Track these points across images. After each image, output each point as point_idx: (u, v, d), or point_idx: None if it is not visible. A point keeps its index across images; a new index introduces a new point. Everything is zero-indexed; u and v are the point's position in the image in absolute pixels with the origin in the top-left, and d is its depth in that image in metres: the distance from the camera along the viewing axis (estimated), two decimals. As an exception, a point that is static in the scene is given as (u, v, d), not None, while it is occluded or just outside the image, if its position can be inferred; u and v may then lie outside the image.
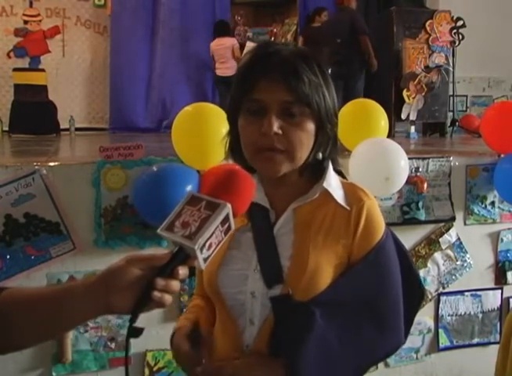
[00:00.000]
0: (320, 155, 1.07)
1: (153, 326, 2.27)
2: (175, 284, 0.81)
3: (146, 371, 2.34)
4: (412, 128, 5.47)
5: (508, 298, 2.87)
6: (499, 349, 1.67)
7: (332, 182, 1.10)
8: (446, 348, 2.78)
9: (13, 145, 4.65)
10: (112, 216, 2.25)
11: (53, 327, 0.84)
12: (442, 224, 2.72)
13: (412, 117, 5.46)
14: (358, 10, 6.04)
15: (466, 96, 6.81)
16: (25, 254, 2.18)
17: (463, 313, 2.79)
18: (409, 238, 2.65)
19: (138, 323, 0.80)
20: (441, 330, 2.76)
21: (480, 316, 2.82)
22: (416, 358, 2.73)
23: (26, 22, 6.69)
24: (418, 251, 2.68)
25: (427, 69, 5.49)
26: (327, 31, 6.00)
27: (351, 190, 1.11)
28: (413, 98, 5.45)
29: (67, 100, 6.98)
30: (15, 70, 6.43)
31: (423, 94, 5.46)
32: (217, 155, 2.07)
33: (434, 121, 5.77)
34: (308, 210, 1.09)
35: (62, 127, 6.38)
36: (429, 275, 2.71)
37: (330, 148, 1.09)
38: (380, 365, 2.61)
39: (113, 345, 2.28)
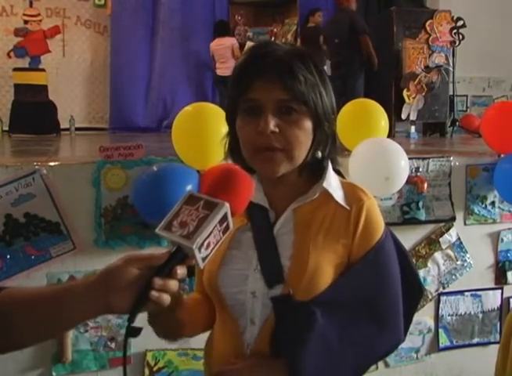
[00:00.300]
0: (319, 154, 1.07)
1: (153, 326, 2.27)
2: (173, 284, 0.81)
3: (146, 371, 2.34)
4: (413, 128, 5.47)
5: (508, 298, 2.87)
6: (499, 349, 1.67)
7: (332, 182, 1.10)
8: (446, 348, 2.78)
9: (13, 145, 4.65)
10: (112, 216, 2.25)
11: (53, 326, 0.84)
12: (442, 224, 2.72)
13: (413, 117, 5.46)
14: (359, 10, 6.04)
15: (467, 96, 6.81)
16: (25, 254, 2.18)
17: (463, 313, 2.79)
18: (409, 238, 2.65)
19: (138, 323, 0.80)
20: (441, 330, 2.76)
21: (480, 315, 2.82)
22: (416, 358, 2.73)
23: (26, 22, 6.69)
24: (418, 250, 2.68)
25: (427, 69, 5.49)
26: (326, 31, 6.01)
27: (350, 190, 1.11)
28: (413, 98, 5.45)
29: (67, 100, 6.99)
30: (15, 70, 6.44)
31: (424, 94, 5.46)
32: (217, 155, 2.07)
33: (434, 121, 5.77)
34: (307, 210, 1.09)
35: (62, 127, 6.39)
36: (429, 275, 2.71)
37: (330, 147, 1.09)
38: (380, 365, 2.61)
39: (113, 345, 2.28)
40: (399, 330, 1.13)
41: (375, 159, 2.34)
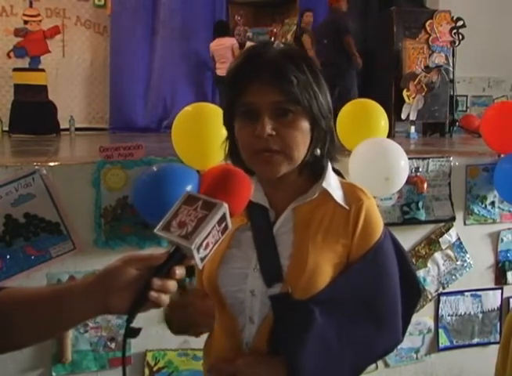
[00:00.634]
0: (318, 151, 1.08)
1: (152, 326, 2.27)
2: (172, 284, 0.81)
3: (146, 371, 2.34)
4: (412, 128, 5.47)
5: (508, 298, 2.87)
6: (499, 349, 1.67)
7: (331, 182, 1.10)
8: (446, 348, 2.78)
9: (13, 145, 4.65)
10: (112, 216, 2.25)
11: (52, 326, 0.84)
12: (442, 224, 2.72)
13: (412, 117, 5.46)
14: (350, 11, 6.02)
15: (467, 96, 6.81)
16: (25, 254, 2.18)
17: (463, 313, 2.79)
18: (409, 238, 2.66)
19: (138, 323, 0.80)
20: (441, 330, 2.76)
21: (480, 316, 2.82)
22: (416, 358, 2.73)
23: (26, 22, 6.68)
24: (418, 251, 2.68)
25: (427, 69, 5.50)
26: (317, 32, 6.03)
27: (350, 190, 1.11)
28: (413, 98, 5.45)
29: (67, 100, 6.99)
30: (15, 70, 6.43)
31: (423, 94, 5.47)
32: (217, 155, 2.07)
33: (434, 121, 5.77)
34: (307, 209, 1.09)
35: (62, 127, 6.39)
36: (429, 275, 2.71)
37: (328, 144, 1.09)
38: (380, 365, 2.61)
39: (113, 345, 2.28)
40: (398, 330, 1.14)
41: (375, 159, 2.34)
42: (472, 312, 2.81)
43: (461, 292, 2.78)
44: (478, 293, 2.81)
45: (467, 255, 2.77)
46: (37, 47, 6.62)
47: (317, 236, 1.07)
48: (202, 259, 0.81)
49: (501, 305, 2.85)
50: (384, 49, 5.62)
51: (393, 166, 2.34)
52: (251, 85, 1.01)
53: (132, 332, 0.80)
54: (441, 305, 2.75)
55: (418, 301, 1.25)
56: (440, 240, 2.71)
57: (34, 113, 6.09)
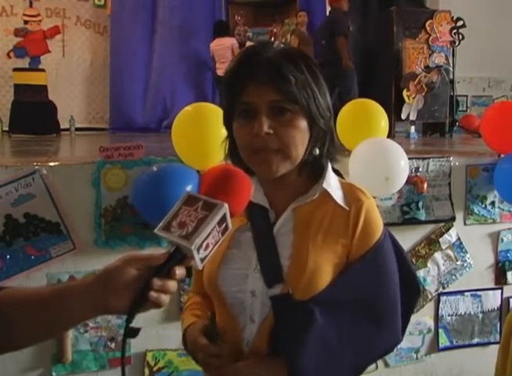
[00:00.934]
0: (317, 151, 1.07)
1: (153, 326, 2.27)
2: (172, 284, 0.81)
3: (146, 371, 2.34)
4: (412, 128, 5.47)
5: (508, 298, 2.87)
6: (499, 349, 1.67)
7: (331, 183, 1.10)
8: (446, 348, 2.78)
9: (13, 145, 4.65)
10: (112, 216, 2.25)
11: (52, 326, 0.84)
12: (442, 224, 2.72)
13: (412, 117, 5.46)
14: (350, 11, 6.02)
15: (467, 96, 6.81)
16: (25, 254, 2.18)
17: (463, 313, 2.79)
18: (409, 238, 2.66)
19: (138, 324, 0.80)
20: (441, 330, 2.76)
21: (480, 316, 2.82)
22: (416, 358, 2.73)
23: (26, 22, 6.69)
24: (418, 251, 2.68)
25: (427, 69, 5.50)
26: (316, 33, 6.03)
27: (349, 190, 1.12)
28: (413, 98, 5.45)
29: (67, 100, 6.99)
30: (15, 70, 6.44)
31: (423, 94, 5.47)
32: (217, 155, 2.07)
33: (434, 121, 5.77)
34: (307, 210, 1.09)
35: (62, 127, 6.39)
36: (429, 275, 2.71)
37: (328, 144, 1.09)
38: (380, 365, 2.61)
39: (113, 345, 2.28)
40: (397, 330, 1.14)
41: (375, 159, 2.34)
42: (472, 312, 2.81)
43: (461, 292, 2.78)
44: (478, 293, 2.81)
45: (467, 255, 2.77)
46: (37, 47, 6.62)
47: (317, 237, 1.07)
48: (202, 260, 0.81)
49: (501, 305, 2.85)
50: (384, 49, 5.62)
51: (393, 166, 2.34)
52: (249, 85, 1.01)
53: (132, 332, 0.80)
54: (441, 305, 2.75)
55: (417, 300, 1.26)
56: (440, 240, 2.71)
57: (34, 113, 6.09)
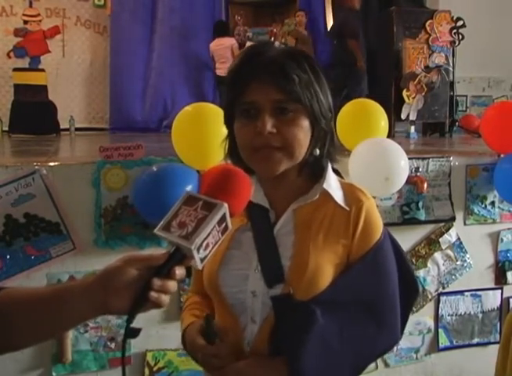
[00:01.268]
0: (318, 151, 1.07)
1: (153, 326, 2.27)
2: (172, 285, 0.81)
3: (146, 371, 2.34)
4: (412, 128, 5.47)
5: (508, 298, 2.87)
6: (499, 349, 1.66)
7: (331, 183, 1.10)
8: (446, 348, 2.78)
9: (13, 145, 4.65)
10: (112, 216, 2.25)
11: (52, 326, 0.84)
12: (442, 224, 2.72)
13: (412, 117, 5.46)
14: (361, 10, 6.03)
15: (466, 96, 6.81)
16: (25, 254, 2.18)
17: (463, 313, 2.79)
18: (409, 238, 2.66)
19: (138, 324, 0.80)
20: (441, 330, 2.76)
21: (480, 316, 2.82)
22: (416, 358, 2.73)
23: (26, 22, 6.68)
24: (418, 251, 2.68)
25: (427, 69, 5.49)
26: (328, 32, 6.04)
27: (350, 191, 1.12)
28: (413, 98, 5.44)
29: (67, 100, 6.98)
30: (15, 70, 6.43)
31: (423, 94, 5.46)
32: (217, 155, 2.07)
33: (434, 121, 5.76)
34: (307, 210, 1.09)
35: (62, 127, 6.38)
36: (429, 275, 2.71)
37: (328, 145, 1.09)
38: (380, 365, 2.61)
39: (113, 345, 2.28)
40: (397, 329, 1.14)
41: (375, 159, 2.34)
42: (472, 312, 2.81)
43: (461, 292, 2.78)
44: (478, 293, 2.81)
45: (467, 255, 2.77)
46: (37, 47, 6.62)
47: (318, 237, 1.07)
48: (202, 260, 0.81)
49: (501, 305, 2.85)
50: (384, 49, 5.61)
51: (393, 166, 2.34)
52: (252, 84, 1.01)
53: (132, 332, 0.80)
54: (441, 305, 2.75)
55: (416, 300, 1.27)
56: (440, 240, 2.71)
57: (34, 113, 6.09)
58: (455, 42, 5.54)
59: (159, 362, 2.35)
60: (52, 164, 2.25)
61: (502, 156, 2.71)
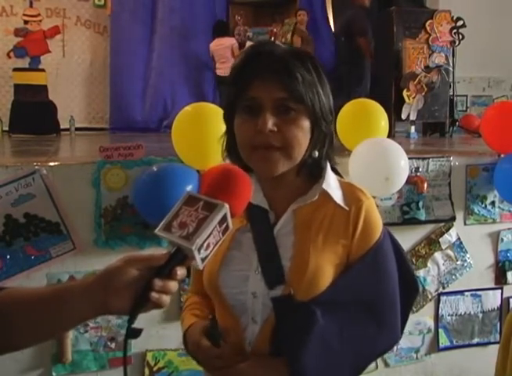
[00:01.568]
0: (316, 153, 1.07)
1: (153, 326, 2.27)
2: (173, 285, 0.81)
3: (146, 371, 2.34)
4: (412, 128, 5.47)
5: (508, 298, 2.87)
6: (499, 349, 1.67)
7: (331, 183, 1.10)
8: (446, 348, 2.78)
9: (13, 145, 4.65)
10: (112, 216, 2.25)
11: (52, 326, 0.84)
12: (442, 224, 2.72)
13: (413, 117, 5.45)
14: (371, 7, 6.04)
15: (466, 96, 6.81)
16: (25, 254, 2.18)
17: (463, 313, 2.79)
18: (409, 238, 2.66)
19: (138, 324, 0.80)
20: (441, 330, 2.76)
21: (480, 315, 2.82)
22: (416, 358, 2.73)
23: (26, 22, 6.67)
24: (418, 250, 2.68)
25: (427, 69, 5.49)
26: (336, 30, 6.07)
27: (349, 190, 1.11)
28: (413, 98, 5.44)
29: (67, 100, 6.98)
30: (15, 70, 6.42)
31: (423, 94, 5.46)
32: (217, 155, 2.04)
33: (434, 121, 5.76)
34: (307, 211, 1.09)
35: (62, 127, 6.38)
36: (429, 275, 2.71)
37: (327, 146, 1.09)
38: (380, 365, 2.61)
39: (113, 345, 2.28)
40: (397, 328, 1.15)
41: (375, 159, 2.34)
42: (472, 312, 2.81)
43: (461, 292, 2.78)
44: (478, 293, 2.81)
45: (467, 255, 2.77)
46: (37, 47, 6.61)
47: (318, 238, 1.07)
48: (203, 260, 0.81)
49: (501, 305, 2.85)
50: (384, 49, 5.61)
51: (393, 166, 2.34)
52: (256, 80, 1.00)
53: (134, 333, 0.80)
54: (441, 304, 2.75)
55: (415, 299, 1.26)
56: (440, 239, 2.71)
57: (34, 113, 6.09)
58: (455, 42, 5.54)
59: (159, 362, 2.35)
60: (52, 164, 2.25)
61: (502, 156, 2.71)
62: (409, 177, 2.46)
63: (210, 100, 6.07)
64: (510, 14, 6.64)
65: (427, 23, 5.45)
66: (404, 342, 2.65)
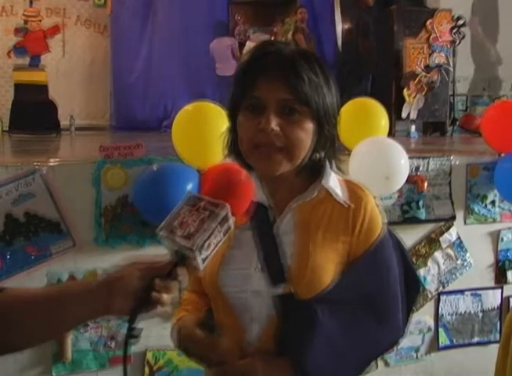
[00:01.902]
0: (317, 156, 1.07)
1: (153, 325, 2.27)
2: (174, 285, 0.81)
3: (146, 370, 2.34)
4: (413, 127, 5.47)
5: (508, 298, 2.87)
6: (499, 348, 1.66)
7: (330, 180, 1.10)
8: (446, 348, 2.78)
9: (13, 144, 4.65)
10: (112, 215, 2.25)
11: (52, 327, 0.84)
12: (442, 223, 2.72)
13: (413, 116, 5.46)
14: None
15: (467, 96, 6.80)
16: (25, 254, 2.18)
17: (463, 312, 2.79)
18: (410, 237, 2.65)
19: (139, 323, 0.80)
20: (441, 330, 2.76)
21: (480, 315, 2.82)
22: (416, 357, 2.73)
23: (26, 21, 6.67)
24: (418, 250, 2.68)
25: (428, 68, 5.49)
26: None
27: (349, 187, 1.11)
28: (414, 97, 5.44)
29: (67, 99, 6.98)
30: (15, 69, 6.43)
31: (424, 93, 5.46)
32: (217, 154, 2.06)
33: (435, 121, 5.76)
34: (307, 208, 1.09)
35: (62, 126, 6.38)
36: (429, 274, 2.71)
37: (329, 149, 1.08)
38: (380, 364, 2.61)
39: (113, 345, 2.28)
40: (399, 324, 1.14)
41: (375, 158, 2.34)
42: (472, 312, 2.81)
43: (461, 291, 2.78)
44: (478, 292, 2.81)
45: (467, 254, 2.77)
46: (37, 46, 6.60)
47: (318, 235, 1.07)
48: (204, 260, 0.81)
49: (501, 305, 2.85)
50: (385, 48, 5.62)
51: (393, 165, 2.34)
52: (261, 80, 1.00)
53: (134, 333, 0.80)
54: (441, 304, 2.75)
55: (418, 296, 1.26)
56: (440, 239, 2.71)
57: (35, 113, 6.09)
58: (455, 42, 5.53)
59: (159, 361, 2.35)
60: (52, 163, 2.25)
61: (502, 155, 2.71)
62: (409, 176, 2.46)
63: (210, 100, 6.07)
64: (510, 14, 6.64)
65: (428, 23, 5.45)
66: (404, 341, 2.64)
